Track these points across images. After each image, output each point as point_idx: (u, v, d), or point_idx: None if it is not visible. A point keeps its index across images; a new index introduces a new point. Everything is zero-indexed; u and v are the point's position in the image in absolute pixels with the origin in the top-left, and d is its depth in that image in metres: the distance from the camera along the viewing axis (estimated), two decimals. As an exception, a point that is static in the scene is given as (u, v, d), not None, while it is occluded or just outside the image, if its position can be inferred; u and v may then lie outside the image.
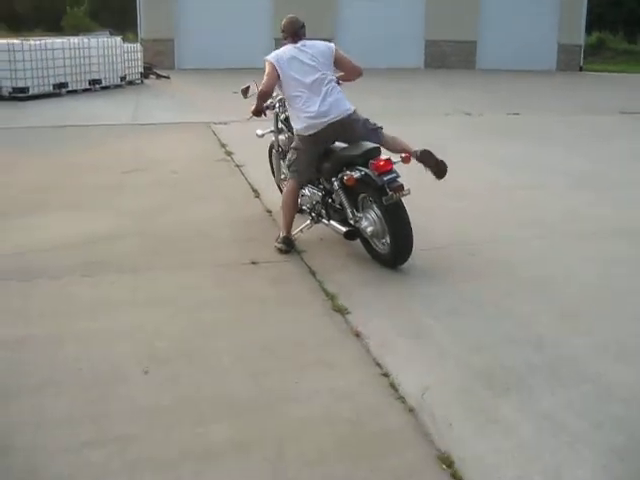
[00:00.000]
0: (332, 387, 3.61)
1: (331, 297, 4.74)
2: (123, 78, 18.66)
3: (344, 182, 5.23)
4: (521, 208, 7.22)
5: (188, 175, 8.55)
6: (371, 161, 5.13)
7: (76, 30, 37.11)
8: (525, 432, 3.24)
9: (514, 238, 6.26)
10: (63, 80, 16.53)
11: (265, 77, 5.71)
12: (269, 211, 6.86)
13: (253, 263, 5.40)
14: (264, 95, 5.80)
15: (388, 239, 5.23)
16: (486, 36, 28.94)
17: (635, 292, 5.05)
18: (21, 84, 15.55)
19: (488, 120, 13.92)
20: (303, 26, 5.91)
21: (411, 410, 3.39)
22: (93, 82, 17.45)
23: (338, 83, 5.85)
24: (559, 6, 29.73)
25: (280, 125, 6.43)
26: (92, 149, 10.24)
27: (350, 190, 5.35)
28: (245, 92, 6.41)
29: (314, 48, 5.78)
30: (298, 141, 5.69)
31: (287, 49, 5.76)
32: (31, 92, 15.67)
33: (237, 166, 8.97)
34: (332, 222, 5.67)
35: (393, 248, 5.19)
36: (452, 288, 5.02)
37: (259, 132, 6.62)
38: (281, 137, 6.49)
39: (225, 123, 12.50)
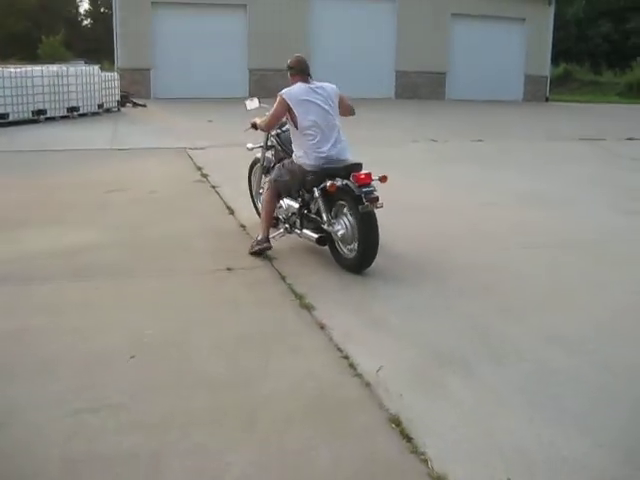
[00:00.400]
0: (298, 368, 4.10)
1: (299, 297, 5.22)
2: (101, 106, 19.11)
3: (327, 189, 5.76)
4: (477, 223, 7.79)
5: (166, 194, 9.02)
6: (353, 173, 5.70)
7: (52, 59, 37.48)
8: (467, 401, 3.75)
9: (468, 248, 6.81)
10: (42, 107, 16.95)
11: (271, 114, 6.25)
12: (243, 226, 7.34)
13: (228, 269, 5.88)
14: (264, 130, 6.54)
15: (355, 245, 5.77)
16: (455, 67, 29.82)
17: (577, 293, 5.61)
18: (1, 110, 15.94)
19: (453, 146, 14.56)
20: (308, 65, 6.31)
21: (367, 384, 3.88)
22: (71, 109, 17.89)
23: None
24: (525, 39, 30.75)
25: (271, 142, 6.93)
26: (73, 172, 10.69)
27: (328, 198, 5.89)
28: (246, 106, 7.06)
29: (325, 91, 6.18)
30: (296, 167, 6.18)
31: (300, 88, 6.12)
32: (10, 118, 16.07)
33: (212, 187, 9.45)
34: (305, 230, 6.20)
35: (360, 252, 5.72)
36: (409, 289, 5.54)
37: (249, 146, 7.10)
38: (267, 154, 7.01)
39: (201, 148, 12.96)
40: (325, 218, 5.93)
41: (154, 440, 3.30)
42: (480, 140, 15.44)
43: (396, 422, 3.47)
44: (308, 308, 5.01)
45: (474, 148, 14.43)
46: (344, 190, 5.70)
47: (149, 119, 18.88)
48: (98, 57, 38.92)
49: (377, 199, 5.63)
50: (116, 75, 20.66)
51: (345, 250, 5.91)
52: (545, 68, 31.93)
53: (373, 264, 5.83)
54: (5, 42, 47.49)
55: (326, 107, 6.09)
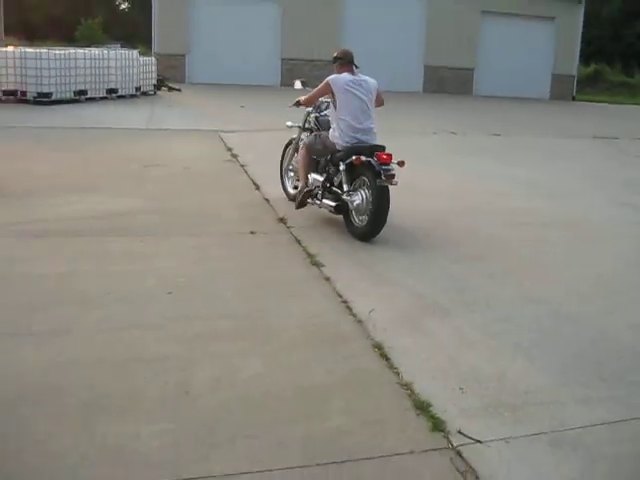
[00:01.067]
0: (305, 308, 4.98)
1: (311, 256, 6.09)
2: (138, 89, 20.04)
3: (353, 162, 6.69)
4: (478, 206, 8.61)
5: (199, 171, 9.91)
6: (377, 152, 6.63)
7: (88, 42, 38.46)
8: (439, 337, 4.60)
9: (467, 225, 7.65)
10: (83, 87, 17.90)
11: (314, 91, 7.28)
12: (266, 199, 8.20)
13: (252, 233, 6.76)
14: (305, 104, 7.53)
15: (367, 216, 6.66)
16: (484, 64, 30.39)
17: (554, 264, 6.43)
18: (45, 90, 16.91)
19: (470, 139, 15.33)
20: (354, 57, 7.26)
21: (359, 322, 4.74)
22: (110, 91, 18.84)
23: None
24: (554, 38, 31.23)
25: (308, 124, 7.89)
26: (113, 148, 11.61)
27: (351, 172, 6.83)
28: (293, 85, 8.22)
29: (367, 84, 7.09)
30: (330, 143, 7.11)
31: (345, 78, 7.03)
32: (54, 97, 17.02)
33: (241, 166, 10.32)
34: (325, 200, 7.14)
35: (371, 221, 6.62)
36: (408, 254, 6.40)
37: (289, 124, 8.13)
38: (304, 135, 7.94)
39: (232, 132, 13.83)
40: (346, 188, 6.84)
41: (186, 349, 4.18)
42: (497, 135, 16.19)
43: (379, 347, 4.33)
44: (318, 265, 5.88)
45: (490, 142, 15.19)
46: (366, 166, 6.61)
47: (184, 102, 19.80)
48: (134, 41, 39.91)
49: (393, 176, 6.52)
50: (153, 60, 21.57)
51: (357, 220, 6.79)
52: (573, 67, 32.36)
53: (380, 234, 6.67)
54: (43, 24, 48.64)
55: (365, 99, 7.00)
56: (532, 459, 3.28)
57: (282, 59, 27.66)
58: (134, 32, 47.51)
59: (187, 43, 26.74)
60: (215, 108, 18.73)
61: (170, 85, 23.03)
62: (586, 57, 40.17)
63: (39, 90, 16.86)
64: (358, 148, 6.77)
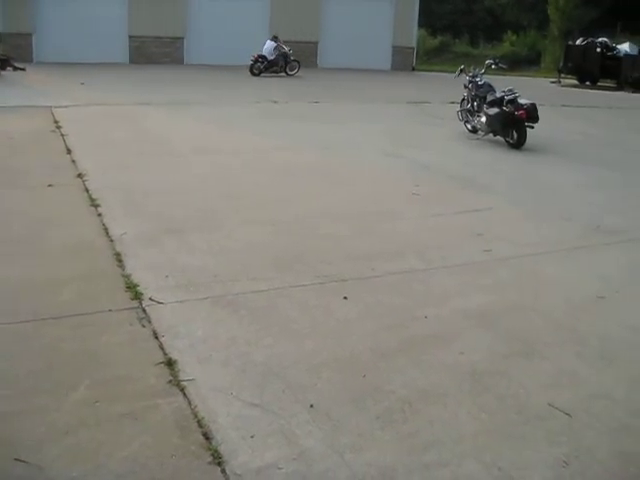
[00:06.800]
0: (72, 233, 6.47)
1: (93, 200, 7.54)
2: (-21, 69, 20.65)
3: None
4: (249, 160, 10.29)
5: (21, 141, 11.10)
6: None
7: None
8: (170, 249, 6.14)
9: (223, 172, 9.29)
10: None
11: None
12: (73, 160, 9.55)
13: (49, 185, 8.13)
14: None
15: None
16: (326, 37, 32.23)
17: (289, 193, 8.08)
18: None
19: (289, 107, 16.91)
20: None
21: (111, 240, 6.30)
22: (-51, 72, 19.43)
23: None
24: (393, 12, 33.38)
25: None
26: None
27: None
28: None
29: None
30: None
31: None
32: None
33: (62, 135, 11.56)
34: None
35: None
36: (164, 195, 7.93)
37: None
38: None
39: (64, 107, 14.89)
40: None
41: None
42: (316, 102, 17.79)
43: (117, 255, 5.90)
44: (96, 206, 7.35)
45: (306, 108, 16.79)
46: None
47: (26, 82, 20.53)
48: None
49: None
50: (-6, 40, 22.14)
51: None
52: (412, 40, 34.61)
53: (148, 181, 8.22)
54: None
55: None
56: (191, 310, 4.94)
57: (129, 36, 28.49)
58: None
59: (33, 22, 27.19)
60: (56, 86, 19.57)
61: (15, 65, 23.58)
62: (439, 30, 43.00)
63: None
64: None
